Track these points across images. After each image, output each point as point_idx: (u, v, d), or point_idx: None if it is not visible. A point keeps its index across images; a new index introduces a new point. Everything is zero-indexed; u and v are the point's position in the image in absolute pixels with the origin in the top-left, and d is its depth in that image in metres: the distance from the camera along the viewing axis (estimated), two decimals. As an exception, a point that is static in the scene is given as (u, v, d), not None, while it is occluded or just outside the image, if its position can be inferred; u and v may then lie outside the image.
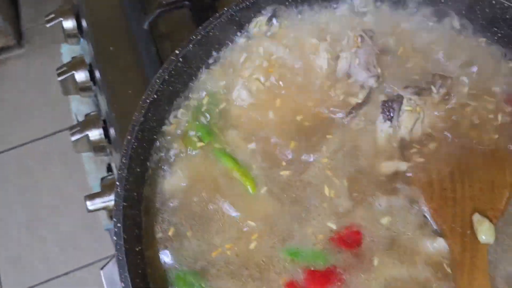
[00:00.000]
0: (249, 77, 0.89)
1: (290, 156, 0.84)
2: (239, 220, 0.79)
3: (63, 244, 2.16)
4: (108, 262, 1.05)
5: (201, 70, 0.90)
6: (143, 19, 1.11)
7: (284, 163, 0.83)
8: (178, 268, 0.76)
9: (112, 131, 1.09)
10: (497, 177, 0.80)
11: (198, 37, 0.86)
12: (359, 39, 0.89)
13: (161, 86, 0.83)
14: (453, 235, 0.75)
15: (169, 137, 0.86)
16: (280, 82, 0.90)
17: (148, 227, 0.80)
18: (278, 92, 0.89)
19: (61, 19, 1.21)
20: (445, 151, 0.83)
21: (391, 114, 0.84)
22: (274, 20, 0.94)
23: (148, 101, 0.81)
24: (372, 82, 0.88)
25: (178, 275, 0.76)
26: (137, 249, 0.77)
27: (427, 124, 0.84)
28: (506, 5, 0.86)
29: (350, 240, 0.77)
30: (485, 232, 0.74)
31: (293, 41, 0.92)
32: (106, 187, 1.10)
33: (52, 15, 1.21)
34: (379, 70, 0.88)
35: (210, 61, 0.91)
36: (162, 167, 0.84)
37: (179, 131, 0.86)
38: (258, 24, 0.93)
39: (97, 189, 1.12)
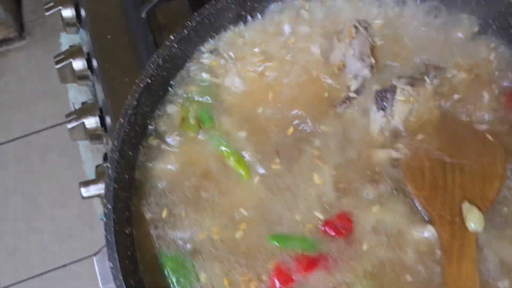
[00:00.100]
0: (243, 64, 0.89)
1: (283, 145, 0.84)
2: (229, 206, 0.80)
3: (60, 236, 2.16)
4: (101, 249, 1.06)
5: (195, 56, 0.90)
6: (141, 8, 1.11)
7: (276, 152, 0.83)
8: (168, 250, 0.77)
9: (108, 120, 1.10)
10: (488, 167, 0.80)
11: (194, 23, 0.87)
12: (354, 30, 0.89)
13: (155, 71, 0.83)
14: (442, 222, 0.75)
15: (162, 122, 0.86)
16: (275, 72, 0.90)
17: (139, 210, 0.80)
18: (271, 81, 0.89)
19: (60, 7, 1.21)
20: (437, 141, 0.83)
21: (385, 104, 0.84)
22: (269, 8, 0.94)
23: (141, 85, 0.81)
24: (366, 72, 0.88)
25: (168, 256, 0.76)
26: (127, 231, 0.77)
27: (420, 114, 0.85)
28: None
29: (341, 227, 0.78)
30: (474, 220, 0.74)
31: (288, 30, 0.92)
32: (101, 175, 1.10)
33: (51, 3, 1.21)
34: (373, 61, 0.88)
35: (205, 47, 0.91)
36: (155, 151, 0.84)
37: (173, 116, 0.87)
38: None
39: (92, 177, 1.13)
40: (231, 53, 0.91)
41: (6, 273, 2.11)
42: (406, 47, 0.90)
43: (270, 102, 0.88)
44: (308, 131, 0.85)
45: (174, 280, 0.75)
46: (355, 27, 0.89)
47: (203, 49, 0.91)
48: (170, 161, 0.84)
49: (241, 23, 0.93)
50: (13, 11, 2.43)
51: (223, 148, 0.84)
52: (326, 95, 0.88)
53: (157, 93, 0.86)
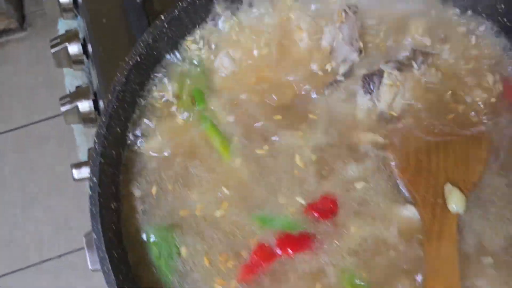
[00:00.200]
0: (233, 46, 0.90)
1: (268, 130, 0.85)
2: (213, 185, 0.80)
3: (57, 226, 2.17)
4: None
5: (186, 37, 0.91)
6: (137, -7, 1.12)
7: (262, 136, 0.84)
8: (152, 224, 0.78)
9: (101, 104, 1.10)
10: (473, 151, 0.81)
11: (185, 4, 0.87)
12: (343, 14, 0.90)
13: (144, 49, 0.84)
14: (425, 204, 0.76)
15: (151, 101, 0.87)
16: (263, 55, 0.91)
17: (127, 186, 0.81)
18: (260, 63, 0.90)
19: (57, -8, 1.23)
20: (423, 125, 0.84)
21: (371, 88, 0.85)
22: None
23: (131, 63, 0.82)
24: (354, 56, 0.89)
25: (152, 230, 0.77)
26: (113, 206, 0.78)
27: (407, 99, 0.85)
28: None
29: (325, 209, 0.78)
30: (455, 202, 0.75)
31: (278, 14, 0.93)
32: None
33: (48, -12, 1.22)
34: (361, 45, 0.89)
35: (196, 28, 0.92)
36: (144, 129, 0.85)
37: (161, 96, 0.87)
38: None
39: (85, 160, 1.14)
40: (221, 34, 0.91)
41: (1, 263, 2.11)
42: (395, 33, 0.91)
43: (257, 86, 0.88)
44: (295, 113, 0.86)
45: (157, 254, 0.75)
46: (345, 11, 0.90)
47: (194, 31, 0.92)
48: (158, 140, 0.84)
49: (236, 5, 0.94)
50: (14, 2, 2.45)
51: (207, 129, 0.85)
52: (314, 79, 0.89)
53: (147, 72, 0.87)
